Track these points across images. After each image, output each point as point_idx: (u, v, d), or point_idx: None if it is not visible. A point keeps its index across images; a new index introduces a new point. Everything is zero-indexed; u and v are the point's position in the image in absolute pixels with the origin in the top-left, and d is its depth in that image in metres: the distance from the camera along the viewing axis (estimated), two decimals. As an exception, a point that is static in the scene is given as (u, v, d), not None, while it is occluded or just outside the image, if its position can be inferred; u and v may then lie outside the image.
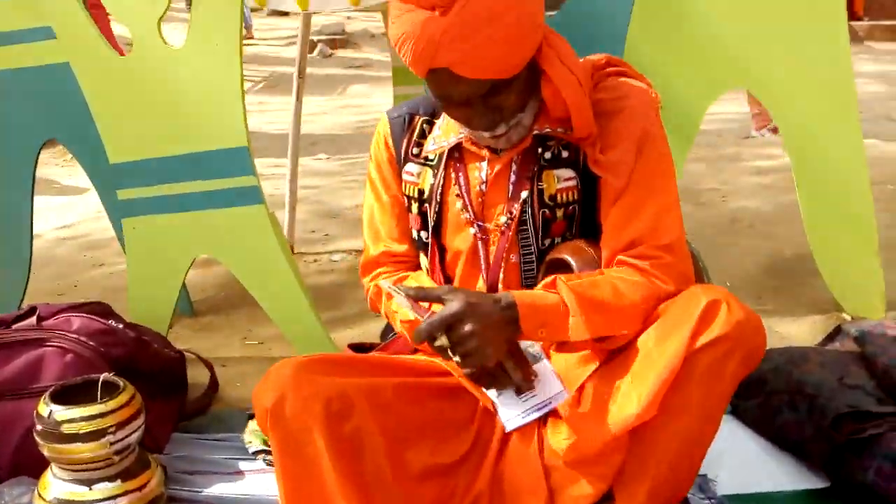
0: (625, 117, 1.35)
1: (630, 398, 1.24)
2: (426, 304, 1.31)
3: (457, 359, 1.23)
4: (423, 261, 1.55)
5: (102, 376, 1.59)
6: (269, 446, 1.79)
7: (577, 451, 1.31)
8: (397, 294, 1.26)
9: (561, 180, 1.41)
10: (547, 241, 1.43)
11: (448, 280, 1.52)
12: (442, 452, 1.41)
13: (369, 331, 2.50)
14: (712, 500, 1.55)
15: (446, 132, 1.45)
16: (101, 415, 1.50)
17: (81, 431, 1.49)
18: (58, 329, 1.76)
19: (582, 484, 1.33)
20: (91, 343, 1.76)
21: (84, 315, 1.82)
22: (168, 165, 2.13)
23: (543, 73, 1.33)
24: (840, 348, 1.86)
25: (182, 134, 2.09)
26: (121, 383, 1.58)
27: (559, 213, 1.42)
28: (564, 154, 1.41)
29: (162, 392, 1.90)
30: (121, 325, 1.87)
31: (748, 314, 1.23)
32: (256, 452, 1.82)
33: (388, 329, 1.76)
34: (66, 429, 1.49)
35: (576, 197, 1.41)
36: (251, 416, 1.97)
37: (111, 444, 1.51)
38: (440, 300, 1.26)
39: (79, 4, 2.09)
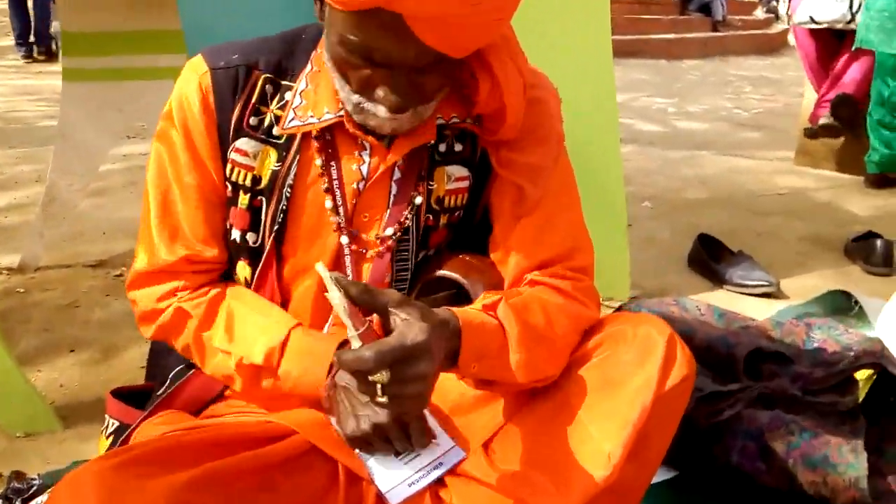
0: (537, 112, 1.11)
1: (593, 456, 1.01)
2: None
3: (382, 399, 0.89)
4: (243, 271, 1.16)
5: None
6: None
7: None
8: (334, 288, 0.88)
9: (452, 179, 1.13)
10: (421, 254, 1.15)
11: (286, 302, 1.15)
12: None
13: (66, 372, 1.93)
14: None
15: (315, 104, 1.07)
16: None
17: None
18: None
19: None
20: None
21: None
22: None
23: (482, 65, 1.04)
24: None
25: None
26: None
27: (442, 219, 1.14)
28: (458, 147, 1.12)
29: None
30: None
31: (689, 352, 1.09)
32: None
33: (159, 365, 1.31)
34: None
35: (464, 201, 1.14)
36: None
37: None
38: (386, 314, 0.91)
39: None
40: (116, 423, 1.27)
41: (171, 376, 1.23)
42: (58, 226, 2.56)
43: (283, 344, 1.07)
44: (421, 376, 0.88)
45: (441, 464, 1.10)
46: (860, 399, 1.49)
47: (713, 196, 3.48)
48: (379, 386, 0.87)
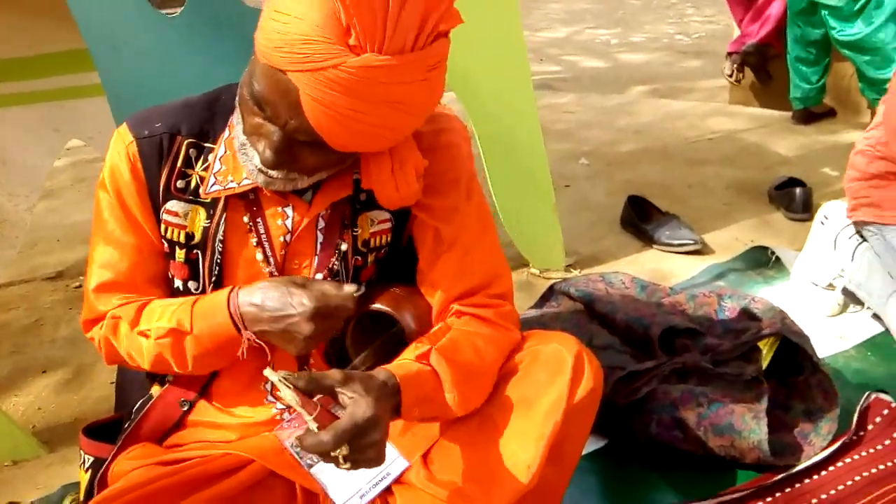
0: (450, 157, 1.22)
1: (516, 465, 1.16)
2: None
3: (345, 466, 1.02)
4: None
5: None
6: None
7: None
8: (286, 388, 1.00)
9: (375, 223, 1.24)
10: None
11: None
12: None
13: (41, 395, 2.04)
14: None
15: (234, 169, 1.17)
16: None
17: None
18: None
19: None
20: None
21: None
22: None
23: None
24: (561, 308, 1.99)
25: None
26: None
27: (370, 258, 1.26)
28: None
29: None
30: None
31: (596, 361, 1.24)
32: None
33: (126, 391, 1.44)
34: None
35: (388, 240, 1.26)
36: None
37: None
38: (334, 393, 1.03)
39: None
40: (92, 458, 1.40)
41: (134, 409, 1.36)
42: (12, 245, 2.61)
43: (191, 310, 1.18)
44: (375, 443, 1.01)
45: (388, 474, 1.24)
46: (766, 362, 1.67)
47: (648, 147, 3.60)
48: (340, 455, 1.00)
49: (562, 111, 4.39)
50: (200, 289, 1.23)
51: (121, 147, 1.19)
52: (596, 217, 2.88)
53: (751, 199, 2.94)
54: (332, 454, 0.99)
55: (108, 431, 1.41)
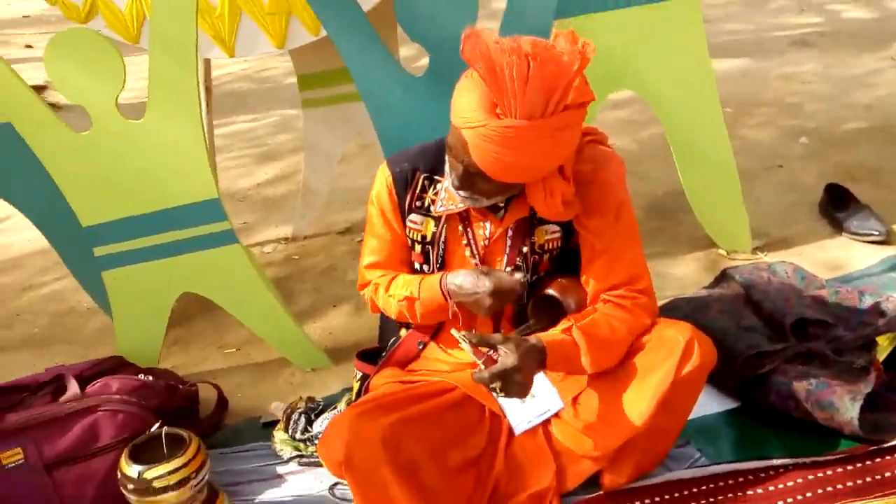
0: (604, 190, 1.72)
1: (633, 413, 1.68)
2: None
3: (501, 395, 1.60)
4: None
5: (164, 430, 1.89)
6: (300, 451, 2.15)
7: (598, 448, 1.74)
8: (463, 340, 1.61)
9: (548, 233, 1.80)
10: (534, 277, 1.83)
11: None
12: (468, 449, 1.80)
13: (332, 322, 2.82)
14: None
15: (453, 196, 1.77)
16: (184, 465, 1.81)
17: (171, 483, 1.79)
18: (103, 394, 2.00)
19: (585, 462, 1.79)
20: (133, 399, 2.01)
21: (119, 377, 2.07)
22: (142, 222, 2.28)
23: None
24: (727, 290, 2.38)
25: (152, 195, 2.24)
26: (185, 435, 1.88)
27: (545, 256, 1.82)
28: None
29: (188, 420, 2.19)
30: (150, 378, 2.12)
31: (709, 343, 1.70)
32: (290, 459, 2.14)
33: (385, 331, 2.13)
34: (157, 483, 1.78)
35: (559, 244, 1.81)
36: (265, 425, 2.30)
37: (193, 486, 1.82)
38: (495, 348, 1.61)
39: (34, 96, 2.19)
40: (360, 374, 2.11)
41: (389, 344, 2.04)
42: (314, 208, 3.45)
43: (419, 285, 1.82)
44: (519, 383, 1.58)
45: (549, 410, 1.83)
46: (884, 354, 1.97)
47: (872, 126, 3.67)
48: (496, 387, 1.59)
49: (798, 81, 4.47)
50: (430, 270, 1.87)
51: (382, 178, 1.86)
52: (799, 200, 3.12)
53: (959, 189, 3.01)
54: (491, 386, 1.57)
55: (372, 356, 2.12)
